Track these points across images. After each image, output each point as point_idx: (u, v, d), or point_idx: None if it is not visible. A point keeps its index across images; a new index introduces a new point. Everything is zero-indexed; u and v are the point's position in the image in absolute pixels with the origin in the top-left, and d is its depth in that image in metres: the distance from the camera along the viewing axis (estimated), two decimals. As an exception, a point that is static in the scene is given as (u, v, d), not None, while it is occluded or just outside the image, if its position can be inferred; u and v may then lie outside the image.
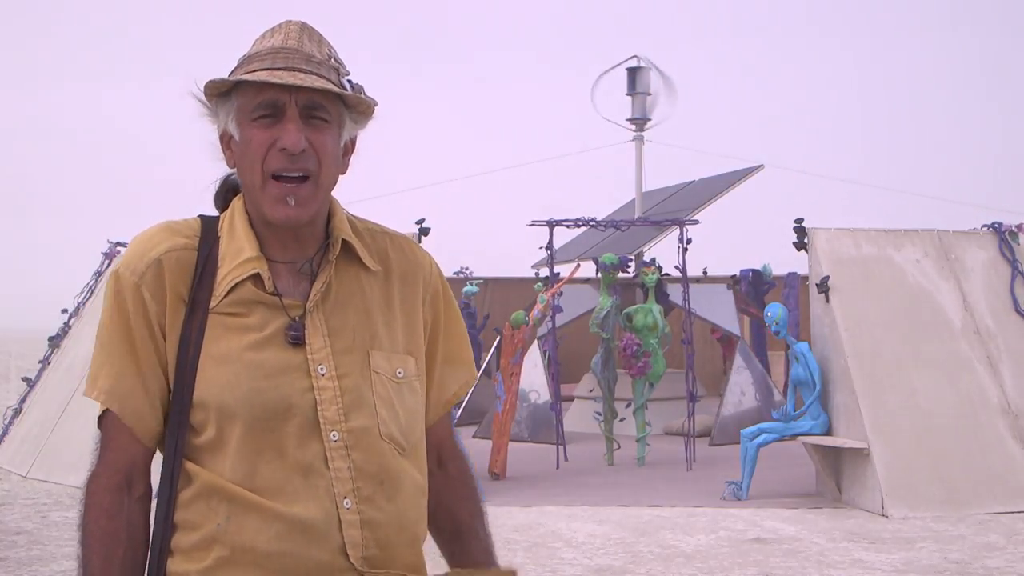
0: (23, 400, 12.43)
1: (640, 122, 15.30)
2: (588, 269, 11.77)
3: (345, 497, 1.71)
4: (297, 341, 1.74)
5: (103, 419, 1.76)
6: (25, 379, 12.94)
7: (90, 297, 12.46)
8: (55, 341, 12.61)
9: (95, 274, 12.68)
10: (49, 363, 12.48)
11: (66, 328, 12.52)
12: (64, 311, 12.63)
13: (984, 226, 9.87)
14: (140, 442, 1.75)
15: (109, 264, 12.50)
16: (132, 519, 1.74)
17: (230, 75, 1.75)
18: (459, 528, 1.95)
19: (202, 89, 1.76)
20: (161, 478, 1.74)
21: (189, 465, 1.73)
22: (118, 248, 12.48)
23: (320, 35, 1.78)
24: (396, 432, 1.78)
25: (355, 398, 1.75)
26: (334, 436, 1.72)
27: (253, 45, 1.78)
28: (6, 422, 12.40)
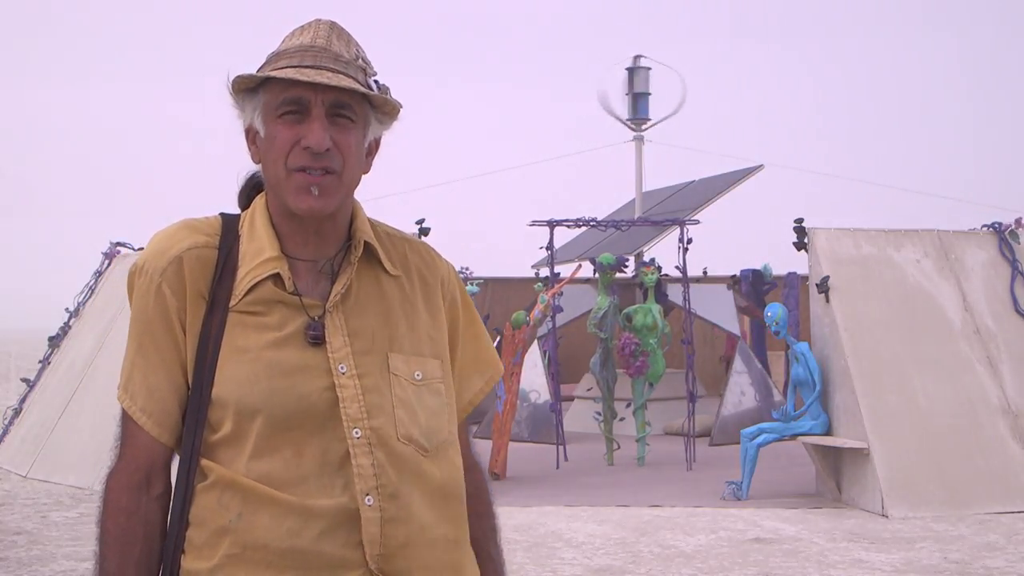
0: (23, 400, 12.43)
1: (640, 122, 15.31)
2: (588, 269, 11.78)
3: (367, 494, 1.71)
4: (316, 340, 1.74)
5: (124, 416, 1.77)
6: (25, 379, 12.94)
7: (90, 297, 12.46)
8: (55, 341, 12.60)
9: (95, 274, 12.67)
10: (49, 363, 12.48)
11: (66, 328, 12.51)
12: (67, 310, 12.64)
13: (984, 226, 9.87)
14: (159, 440, 1.75)
15: (109, 264, 12.49)
16: (149, 518, 1.74)
17: (258, 71, 1.75)
18: (473, 547, 1.92)
19: (230, 84, 1.76)
20: (178, 475, 1.74)
21: (205, 462, 1.73)
22: (118, 248, 12.47)
23: (349, 35, 1.79)
24: (416, 434, 1.78)
25: (375, 398, 1.75)
26: (357, 433, 1.72)
27: (282, 42, 1.78)
28: (6, 422, 12.40)
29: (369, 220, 1.87)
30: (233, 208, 1.89)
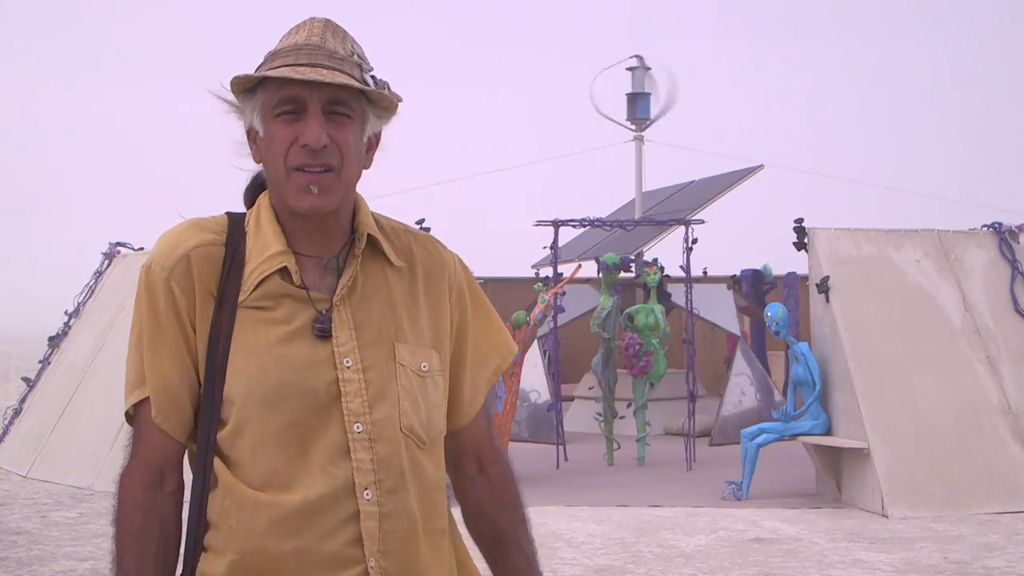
0: (23, 400, 12.43)
1: (640, 122, 15.30)
2: (589, 269, 11.78)
3: (366, 488, 1.72)
4: (324, 334, 1.75)
5: (136, 415, 1.77)
6: (25, 379, 12.94)
7: (90, 297, 12.46)
8: (55, 341, 12.61)
9: (95, 274, 12.68)
10: (49, 363, 12.48)
11: (66, 328, 12.52)
12: (67, 311, 12.64)
13: (984, 226, 9.87)
14: (172, 437, 1.76)
15: (109, 264, 12.50)
16: (165, 515, 1.75)
17: (255, 71, 1.77)
18: (500, 537, 1.94)
19: (228, 85, 1.78)
20: (194, 473, 1.75)
21: (215, 461, 1.74)
22: (118, 248, 12.48)
23: (344, 31, 1.80)
24: (416, 425, 1.79)
25: (379, 390, 1.76)
26: (358, 428, 1.73)
27: (279, 42, 1.80)
28: (6, 422, 12.40)
29: (374, 214, 1.88)
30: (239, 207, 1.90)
